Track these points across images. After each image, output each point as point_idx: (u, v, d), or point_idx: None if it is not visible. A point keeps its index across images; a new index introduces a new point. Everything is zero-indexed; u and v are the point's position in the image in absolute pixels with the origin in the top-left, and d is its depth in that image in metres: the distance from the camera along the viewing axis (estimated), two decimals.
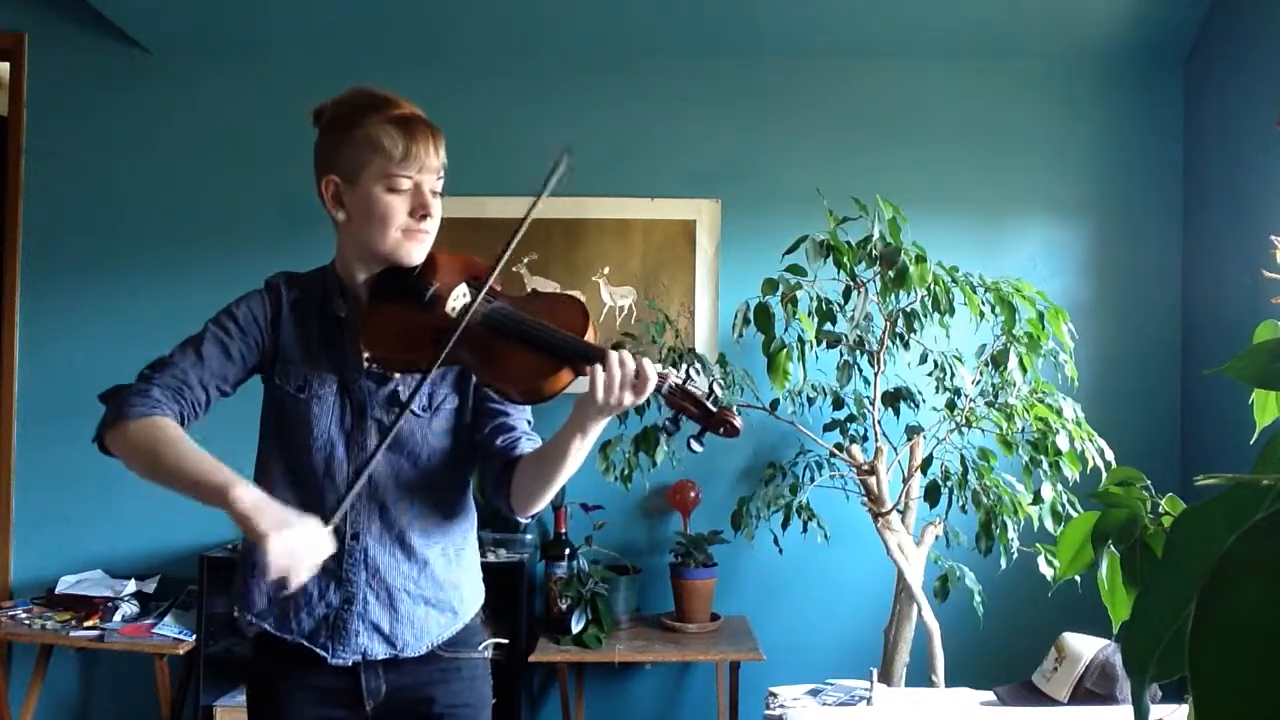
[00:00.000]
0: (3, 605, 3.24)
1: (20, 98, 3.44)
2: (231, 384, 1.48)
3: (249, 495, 1.28)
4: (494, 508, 1.55)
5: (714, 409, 1.33)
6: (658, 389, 1.33)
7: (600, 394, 1.33)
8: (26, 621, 3.09)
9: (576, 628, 2.93)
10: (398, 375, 1.49)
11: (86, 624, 3.06)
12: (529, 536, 3.16)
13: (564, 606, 2.98)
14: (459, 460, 1.54)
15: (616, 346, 1.37)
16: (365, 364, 1.48)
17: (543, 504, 1.48)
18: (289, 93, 3.38)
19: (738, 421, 1.33)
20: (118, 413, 1.37)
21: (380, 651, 1.48)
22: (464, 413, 1.54)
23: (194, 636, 3.01)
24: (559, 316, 1.41)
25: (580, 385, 1.37)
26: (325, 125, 1.48)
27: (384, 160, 1.41)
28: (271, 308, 1.51)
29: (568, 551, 3.11)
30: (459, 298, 1.47)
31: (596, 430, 1.39)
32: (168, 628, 3.07)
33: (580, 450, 1.39)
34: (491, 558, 3.00)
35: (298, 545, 1.25)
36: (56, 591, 3.19)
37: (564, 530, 3.18)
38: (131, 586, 3.18)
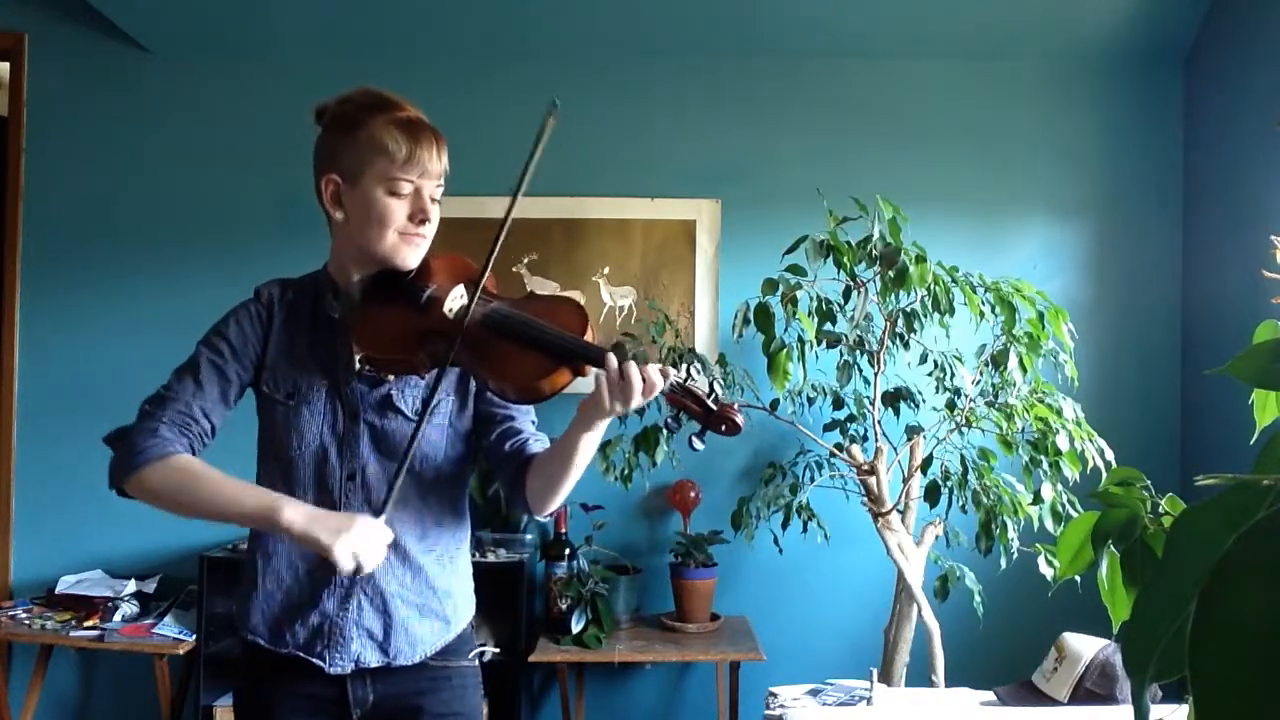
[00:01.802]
0: (3, 605, 3.24)
1: (20, 98, 3.45)
2: (233, 403, 1.49)
3: (299, 514, 1.34)
4: (512, 509, 1.55)
5: (715, 406, 1.32)
6: None
7: (604, 395, 1.33)
8: (26, 621, 3.09)
9: (576, 628, 2.93)
10: (391, 378, 1.48)
11: (86, 624, 3.06)
12: (529, 536, 3.15)
13: (564, 606, 2.98)
14: (454, 465, 1.52)
15: (616, 346, 1.37)
16: (358, 366, 1.47)
17: (559, 501, 1.48)
18: (289, 93, 3.39)
19: (739, 418, 1.33)
20: (131, 458, 1.38)
21: (373, 659, 1.47)
22: (461, 417, 1.53)
23: (194, 636, 3.01)
24: (557, 316, 1.41)
25: (579, 386, 1.37)
26: (328, 124, 1.47)
27: (386, 162, 1.41)
28: (263, 318, 1.50)
29: (568, 551, 3.11)
30: (456, 299, 1.46)
31: (603, 427, 1.40)
32: (168, 628, 3.07)
33: (589, 447, 1.41)
34: (491, 558, 2.99)
35: (361, 544, 1.32)
36: (56, 591, 3.19)
37: (564, 530, 3.18)
38: (131, 586, 3.18)
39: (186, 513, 1.39)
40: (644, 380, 1.32)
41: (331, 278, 1.52)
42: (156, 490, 1.38)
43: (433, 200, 1.46)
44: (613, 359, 1.33)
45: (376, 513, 1.38)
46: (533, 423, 1.56)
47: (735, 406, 1.34)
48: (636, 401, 1.32)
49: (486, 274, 1.43)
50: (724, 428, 1.33)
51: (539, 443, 1.52)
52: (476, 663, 1.59)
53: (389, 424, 1.47)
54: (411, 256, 1.46)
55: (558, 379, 1.36)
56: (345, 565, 1.32)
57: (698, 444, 1.34)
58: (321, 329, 1.50)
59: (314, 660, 1.46)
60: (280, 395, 1.47)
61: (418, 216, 1.44)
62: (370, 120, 1.42)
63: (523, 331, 1.39)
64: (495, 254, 1.44)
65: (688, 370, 1.35)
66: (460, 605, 1.55)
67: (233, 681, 2.99)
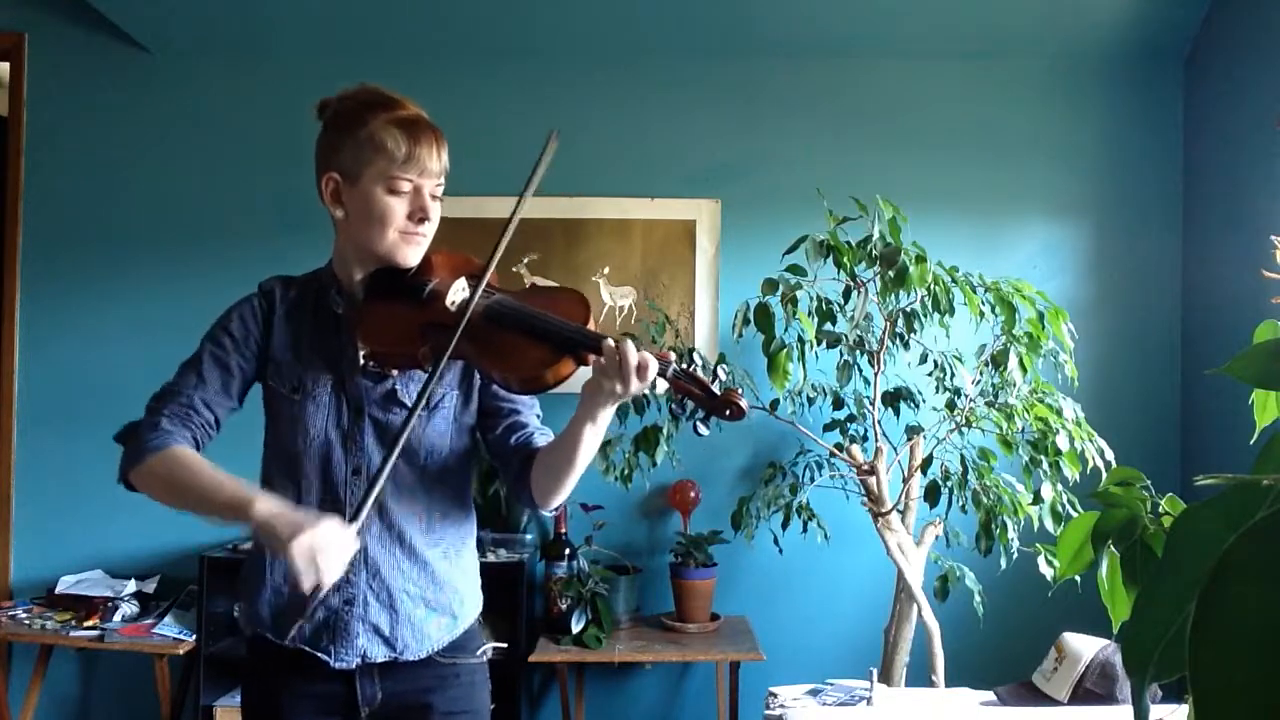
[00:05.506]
0: (3, 605, 3.24)
1: (20, 98, 3.45)
2: (236, 397, 1.49)
3: (266, 507, 1.30)
4: (518, 504, 1.56)
5: (718, 392, 1.33)
6: (661, 372, 1.33)
7: (605, 381, 1.32)
8: (26, 621, 3.09)
9: (576, 628, 2.93)
10: (395, 372, 1.49)
11: (86, 624, 3.06)
12: (529, 536, 3.16)
13: (564, 606, 2.98)
14: (459, 458, 1.53)
15: None
16: (362, 361, 1.48)
17: (565, 494, 1.48)
18: (289, 93, 3.39)
19: (743, 402, 1.33)
20: (135, 451, 1.39)
21: (379, 654, 1.47)
22: (466, 411, 1.54)
23: (194, 636, 3.01)
24: (560, 307, 1.41)
25: (583, 377, 1.37)
26: (329, 121, 1.48)
27: (386, 161, 1.41)
28: (264, 312, 1.51)
29: (568, 551, 3.11)
30: (458, 292, 1.47)
31: (606, 417, 1.40)
32: (168, 628, 3.07)
33: (593, 439, 1.40)
34: (491, 558, 3.00)
35: (320, 545, 1.25)
36: (56, 591, 3.19)
37: (564, 530, 3.18)
38: (131, 586, 3.18)
39: (178, 503, 1.38)
40: (641, 359, 1.31)
41: (334, 274, 1.53)
42: (152, 481, 1.39)
43: (433, 198, 1.46)
44: (611, 341, 1.33)
45: (350, 520, 1.32)
46: (538, 416, 1.57)
47: (739, 392, 1.34)
48: (634, 383, 1.32)
49: (490, 269, 1.44)
50: (728, 412, 1.32)
51: (544, 436, 1.52)
52: (484, 660, 1.59)
53: (393, 419, 1.48)
54: (412, 254, 1.47)
55: (561, 368, 1.36)
56: (299, 561, 1.23)
57: (702, 429, 1.34)
58: (326, 325, 1.51)
59: (319, 655, 1.46)
60: (286, 390, 1.48)
61: (417, 215, 1.45)
62: (371, 118, 1.43)
63: (525, 322, 1.39)
64: (499, 253, 1.45)
65: (689, 359, 1.36)
66: (467, 600, 1.56)
67: (234, 681, 3.02)
